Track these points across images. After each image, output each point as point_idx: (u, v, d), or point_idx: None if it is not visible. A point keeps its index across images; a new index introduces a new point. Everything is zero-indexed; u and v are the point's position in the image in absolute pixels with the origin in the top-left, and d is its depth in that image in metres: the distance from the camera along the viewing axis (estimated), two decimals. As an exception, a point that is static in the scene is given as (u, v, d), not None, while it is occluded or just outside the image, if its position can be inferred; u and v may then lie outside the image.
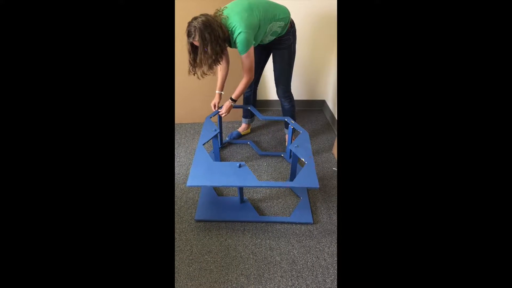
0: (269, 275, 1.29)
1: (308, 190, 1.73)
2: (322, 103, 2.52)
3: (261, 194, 1.71)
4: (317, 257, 1.37)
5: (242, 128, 2.15)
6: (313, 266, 1.33)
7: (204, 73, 1.47)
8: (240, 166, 1.41)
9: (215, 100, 1.79)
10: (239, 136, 2.13)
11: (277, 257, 1.37)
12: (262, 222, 1.53)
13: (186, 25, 1.36)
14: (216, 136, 1.67)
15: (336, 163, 1.94)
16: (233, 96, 1.69)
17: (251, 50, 1.47)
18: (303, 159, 1.51)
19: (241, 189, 1.58)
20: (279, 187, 1.74)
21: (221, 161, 1.91)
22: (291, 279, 1.28)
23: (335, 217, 1.57)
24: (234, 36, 1.41)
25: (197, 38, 1.33)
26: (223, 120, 2.06)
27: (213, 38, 1.34)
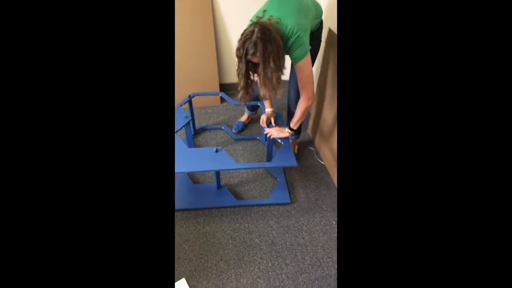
0: (248, 258, 1.29)
1: (285, 170, 1.73)
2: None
3: (238, 179, 1.69)
4: (296, 236, 1.38)
5: (245, 117, 2.08)
6: (292, 245, 1.34)
7: (266, 96, 1.27)
8: (217, 151, 1.39)
9: (269, 115, 1.61)
10: (245, 126, 2.07)
11: (256, 239, 1.37)
12: (240, 206, 1.53)
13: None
14: (188, 123, 1.63)
15: (311, 142, 1.94)
16: (292, 125, 1.46)
17: (309, 55, 1.25)
18: (279, 140, 1.50)
19: (218, 174, 1.55)
20: (258, 168, 1.74)
21: (195, 147, 1.87)
22: (270, 260, 1.29)
23: (312, 195, 1.58)
24: (291, 40, 1.18)
25: (258, 52, 1.10)
26: (194, 106, 2.00)
27: (274, 47, 1.11)
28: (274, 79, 1.17)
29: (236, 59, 1.19)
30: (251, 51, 1.11)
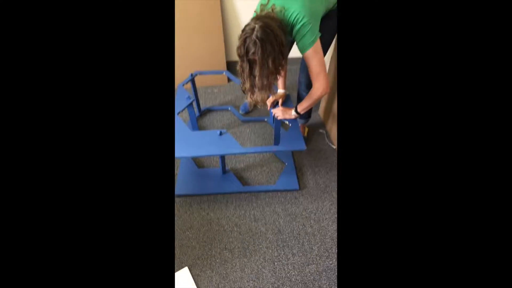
0: (254, 247, 1.25)
1: (293, 154, 1.64)
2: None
3: (245, 163, 1.62)
4: (303, 225, 1.32)
5: None
6: (299, 234, 1.29)
7: (263, 98, 1.17)
8: (221, 133, 1.31)
9: (278, 97, 1.51)
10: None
11: (262, 227, 1.32)
12: (246, 192, 1.46)
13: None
14: (191, 104, 1.54)
15: (323, 125, 1.84)
16: (299, 109, 1.34)
17: (318, 43, 1.13)
18: (287, 122, 1.41)
19: (223, 159, 1.49)
20: (264, 151, 1.66)
21: (200, 130, 1.80)
22: (276, 249, 1.24)
23: (321, 181, 1.50)
24: (296, 28, 1.09)
25: (259, 52, 1.02)
26: (198, 86, 1.91)
27: (276, 46, 1.03)
28: (267, 82, 1.10)
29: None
30: (251, 50, 1.03)
